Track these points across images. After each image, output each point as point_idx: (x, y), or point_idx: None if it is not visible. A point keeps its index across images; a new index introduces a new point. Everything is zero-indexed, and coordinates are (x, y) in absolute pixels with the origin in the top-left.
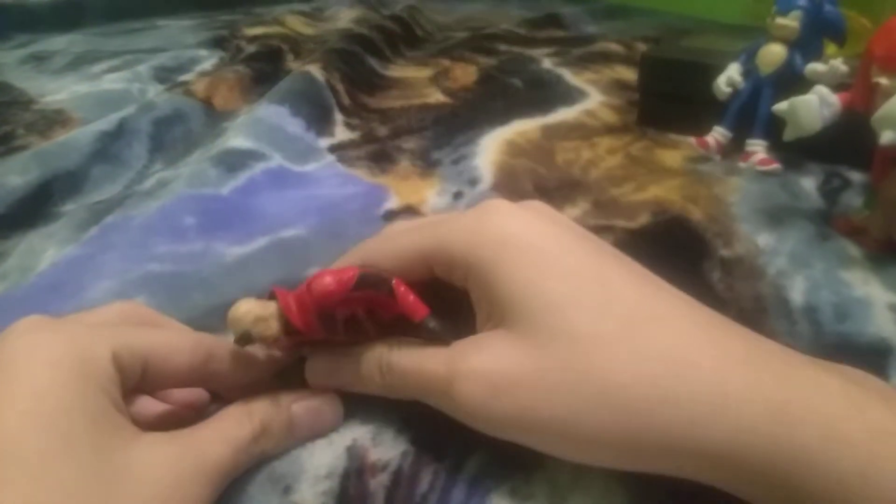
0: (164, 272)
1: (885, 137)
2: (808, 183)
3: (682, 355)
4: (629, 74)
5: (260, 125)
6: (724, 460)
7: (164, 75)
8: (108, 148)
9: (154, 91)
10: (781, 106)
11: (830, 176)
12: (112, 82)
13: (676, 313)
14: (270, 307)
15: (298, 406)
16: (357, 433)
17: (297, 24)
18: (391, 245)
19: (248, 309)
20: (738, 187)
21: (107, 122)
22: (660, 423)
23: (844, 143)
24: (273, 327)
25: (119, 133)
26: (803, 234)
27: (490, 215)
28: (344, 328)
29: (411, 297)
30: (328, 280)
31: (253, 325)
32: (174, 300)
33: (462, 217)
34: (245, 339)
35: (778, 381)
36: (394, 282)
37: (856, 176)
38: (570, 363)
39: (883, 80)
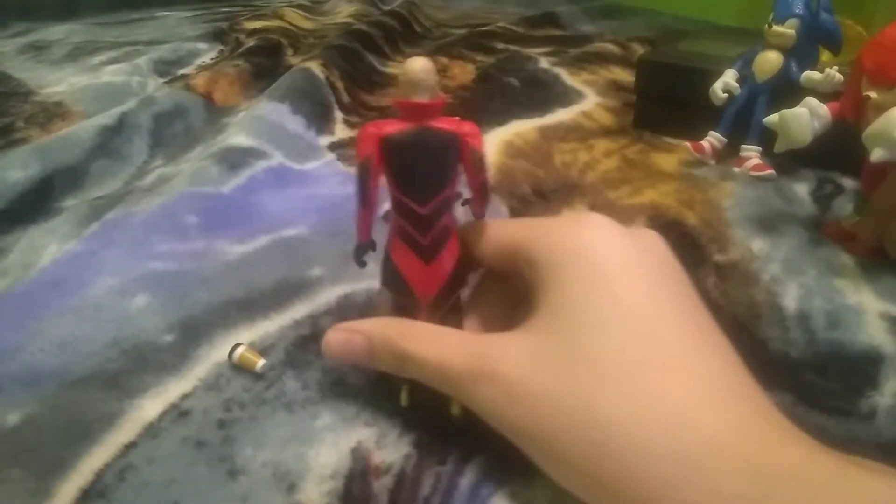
0: (166, 271)
1: (876, 155)
2: (802, 188)
3: (682, 412)
4: (625, 76)
5: (261, 123)
6: None
7: (164, 68)
8: (109, 143)
9: (154, 84)
10: (773, 119)
11: (823, 182)
12: (112, 75)
13: (698, 366)
14: None
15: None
16: (362, 435)
17: (296, 18)
18: (494, 232)
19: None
20: (732, 192)
21: (107, 117)
22: (636, 473)
23: (837, 149)
24: None
25: (119, 128)
26: (796, 241)
27: (580, 226)
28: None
29: None
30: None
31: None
32: (176, 299)
33: (557, 220)
34: None
35: (768, 453)
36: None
37: (848, 182)
38: (578, 386)
39: (872, 94)
